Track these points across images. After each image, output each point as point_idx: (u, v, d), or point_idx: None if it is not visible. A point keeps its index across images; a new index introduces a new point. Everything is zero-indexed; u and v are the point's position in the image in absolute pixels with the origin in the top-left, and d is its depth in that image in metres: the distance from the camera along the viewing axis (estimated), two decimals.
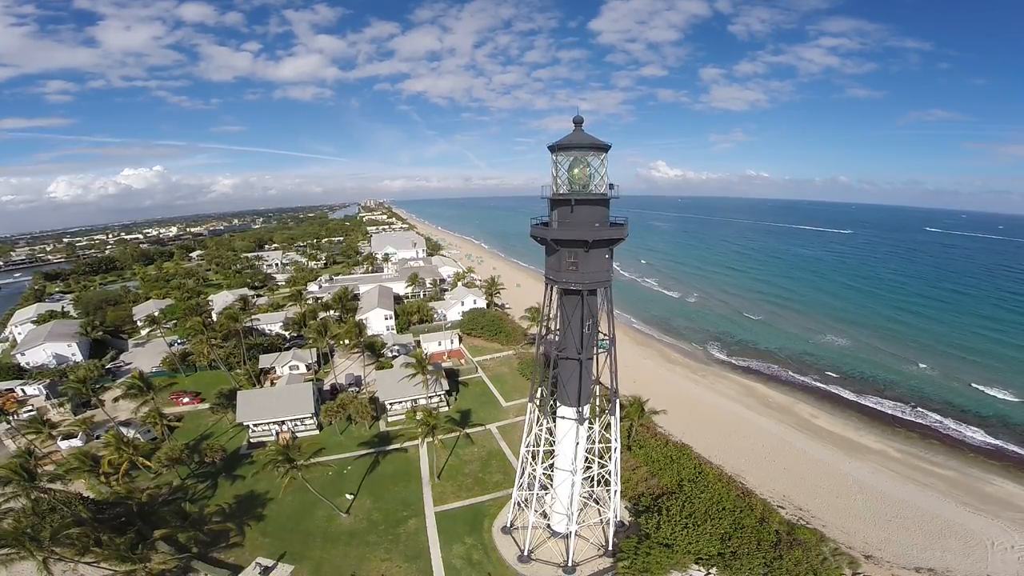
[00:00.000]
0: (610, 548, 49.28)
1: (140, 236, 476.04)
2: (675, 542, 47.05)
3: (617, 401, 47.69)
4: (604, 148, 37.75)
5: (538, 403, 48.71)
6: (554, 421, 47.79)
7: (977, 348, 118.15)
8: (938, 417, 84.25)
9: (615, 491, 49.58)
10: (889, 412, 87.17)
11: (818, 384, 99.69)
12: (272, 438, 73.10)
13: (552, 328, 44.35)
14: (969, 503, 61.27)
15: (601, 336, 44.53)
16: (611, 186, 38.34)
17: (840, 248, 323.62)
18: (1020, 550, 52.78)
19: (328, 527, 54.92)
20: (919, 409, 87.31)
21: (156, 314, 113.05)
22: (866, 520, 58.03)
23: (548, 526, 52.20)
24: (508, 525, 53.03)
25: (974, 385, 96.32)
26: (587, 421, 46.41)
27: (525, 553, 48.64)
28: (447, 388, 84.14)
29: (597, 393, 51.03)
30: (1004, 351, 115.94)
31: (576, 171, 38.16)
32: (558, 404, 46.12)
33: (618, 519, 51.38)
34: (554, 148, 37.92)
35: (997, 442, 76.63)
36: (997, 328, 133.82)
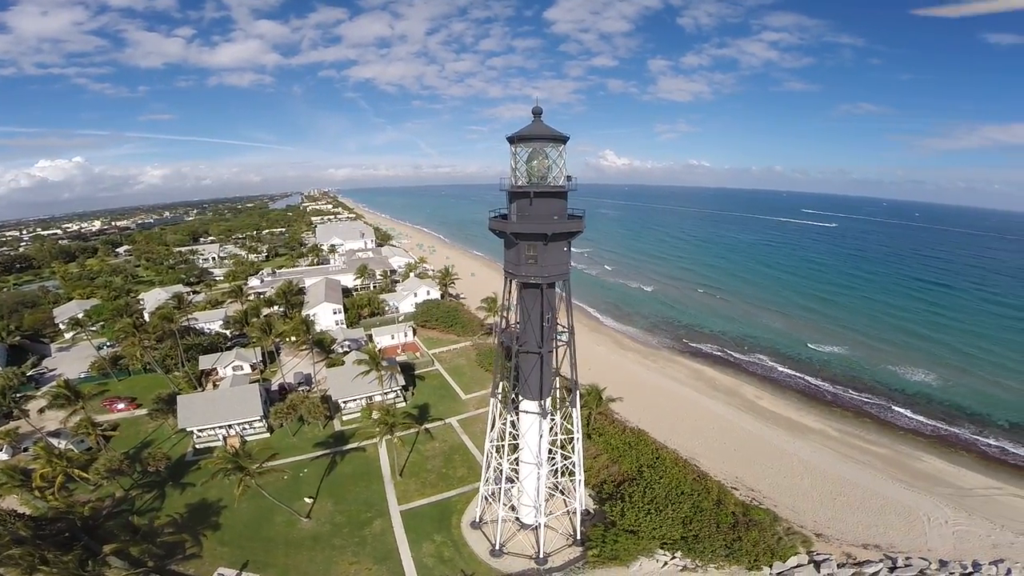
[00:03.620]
0: (579, 537, 49.91)
1: (59, 231, 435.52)
2: (640, 528, 48.12)
3: (578, 392, 48.06)
4: (563, 140, 37.58)
5: (500, 397, 48.42)
6: (517, 414, 47.64)
7: (899, 332, 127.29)
8: (868, 396, 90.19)
9: (579, 480, 50.17)
10: (825, 391, 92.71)
11: (759, 366, 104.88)
12: (219, 443, 69.39)
13: (511, 321, 44.00)
14: (903, 479, 64.73)
15: (560, 328, 44.60)
16: (568, 178, 38.21)
17: (774, 235, 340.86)
18: (954, 524, 55.76)
19: (289, 533, 52.87)
20: (851, 389, 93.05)
21: (80, 316, 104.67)
22: (813, 499, 60.55)
23: (517, 519, 52.30)
24: (477, 520, 52.73)
25: (899, 366, 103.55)
26: (549, 414, 46.55)
27: (496, 547, 48.60)
28: (403, 383, 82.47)
29: (557, 384, 51.21)
30: (922, 336, 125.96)
31: (535, 163, 37.78)
32: (520, 398, 45.97)
33: (584, 508, 52.09)
34: (513, 139, 37.38)
35: (922, 419, 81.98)
36: (917, 313, 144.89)
